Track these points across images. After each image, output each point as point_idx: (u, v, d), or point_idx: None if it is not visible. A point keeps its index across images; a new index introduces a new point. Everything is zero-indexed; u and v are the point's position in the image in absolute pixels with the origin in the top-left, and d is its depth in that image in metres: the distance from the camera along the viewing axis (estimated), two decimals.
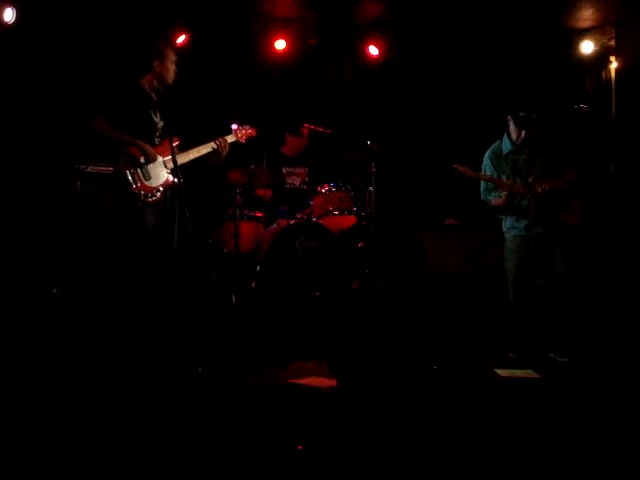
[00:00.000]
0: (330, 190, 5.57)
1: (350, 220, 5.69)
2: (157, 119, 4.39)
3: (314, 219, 5.50)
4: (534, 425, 3.21)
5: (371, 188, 5.70)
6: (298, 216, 5.56)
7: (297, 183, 5.98)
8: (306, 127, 5.97)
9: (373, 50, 6.56)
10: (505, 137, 4.65)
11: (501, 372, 4.18)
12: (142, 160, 4.20)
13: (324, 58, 6.68)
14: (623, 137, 6.15)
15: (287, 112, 6.22)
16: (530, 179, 4.52)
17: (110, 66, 5.51)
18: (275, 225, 5.45)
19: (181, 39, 6.11)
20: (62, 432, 3.04)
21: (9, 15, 5.32)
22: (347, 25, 6.47)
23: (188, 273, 4.98)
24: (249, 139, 4.76)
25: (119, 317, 4.17)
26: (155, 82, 4.37)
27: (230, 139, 4.59)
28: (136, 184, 4.19)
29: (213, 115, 6.06)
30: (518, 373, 4.17)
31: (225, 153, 4.54)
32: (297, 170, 6.02)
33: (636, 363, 4.24)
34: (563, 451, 2.94)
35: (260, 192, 5.90)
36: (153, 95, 4.39)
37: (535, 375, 4.15)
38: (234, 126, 4.70)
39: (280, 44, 6.42)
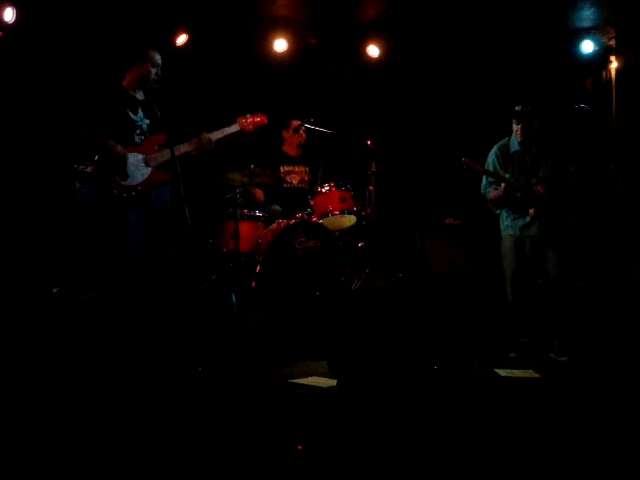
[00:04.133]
0: (330, 190, 5.56)
1: (350, 220, 5.68)
2: (138, 117, 4.35)
3: (314, 219, 5.49)
4: (534, 425, 3.21)
5: (371, 187, 5.71)
6: (298, 216, 5.55)
7: (295, 182, 5.97)
8: (299, 123, 5.92)
9: (373, 50, 6.56)
10: (513, 136, 4.67)
11: (501, 372, 4.18)
12: (115, 159, 4.19)
13: (324, 58, 6.68)
14: (623, 137, 6.15)
15: (286, 111, 6.21)
16: (533, 180, 4.54)
17: (92, 66, 5.45)
18: (275, 225, 5.45)
19: (182, 39, 6.10)
20: (62, 432, 3.04)
21: (9, 15, 5.31)
22: (347, 25, 6.46)
23: (188, 273, 4.98)
24: (259, 128, 4.58)
25: (119, 317, 4.17)
26: (135, 83, 4.35)
27: (233, 129, 4.48)
28: (109, 184, 4.19)
29: (210, 112, 6.07)
30: (518, 373, 4.17)
31: (210, 146, 4.42)
32: (296, 168, 6.01)
33: (636, 363, 4.24)
34: (563, 451, 2.94)
35: (257, 193, 5.89)
36: (136, 93, 4.37)
37: (535, 375, 4.15)
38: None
39: (280, 44, 6.41)
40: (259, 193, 5.87)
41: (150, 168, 4.30)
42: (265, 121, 4.61)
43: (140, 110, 4.37)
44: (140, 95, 4.40)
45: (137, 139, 4.32)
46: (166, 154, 4.26)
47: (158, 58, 4.36)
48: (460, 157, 4.63)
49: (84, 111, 4.21)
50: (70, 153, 4.35)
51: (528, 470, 2.80)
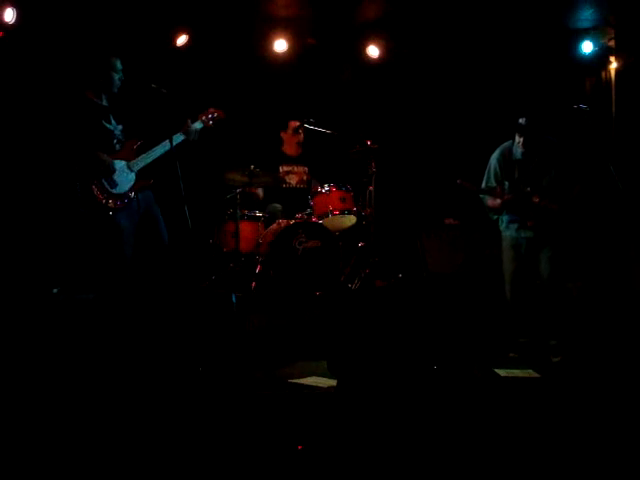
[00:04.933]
0: (330, 190, 5.56)
1: (350, 220, 5.68)
2: (112, 125, 4.42)
3: (314, 219, 5.49)
4: (533, 425, 3.21)
5: (371, 188, 5.71)
6: (298, 216, 5.55)
7: (294, 182, 5.96)
8: (297, 123, 5.92)
9: (373, 50, 6.56)
10: (515, 144, 4.65)
11: (501, 372, 4.18)
12: (104, 170, 4.25)
13: (324, 58, 6.68)
14: (623, 137, 6.15)
15: (285, 112, 6.21)
16: (528, 189, 4.55)
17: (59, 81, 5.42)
18: (275, 225, 5.45)
19: (182, 40, 6.09)
20: (62, 432, 3.04)
21: (10, 15, 5.31)
22: (347, 25, 6.46)
23: (188, 273, 4.98)
24: (218, 122, 4.72)
25: (119, 317, 4.17)
26: (99, 92, 4.41)
27: (198, 125, 4.57)
28: (103, 194, 4.24)
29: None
30: (518, 373, 4.18)
31: (195, 137, 4.56)
32: (296, 169, 6.00)
33: (635, 363, 4.24)
34: (563, 451, 2.94)
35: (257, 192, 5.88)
36: (102, 101, 4.43)
37: (535, 375, 4.16)
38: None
39: (280, 44, 6.41)
40: (259, 192, 5.86)
41: (134, 173, 4.37)
42: (222, 115, 4.73)
43: (111, 117, 4.45)
44: (105, 102, 4.47)
45: (117, 147, 4.39)
46: (146, 157, 4.35)
47: (119, 64, 4.44)
48: (459, 156, 4.64)
49: (64, 128, 4.29)
50: (70, 154, 4.39)
51: (528, 470, 2.80)
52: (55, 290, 5.05)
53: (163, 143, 4.42)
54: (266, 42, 6.42)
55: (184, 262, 4.86)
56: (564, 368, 4.40)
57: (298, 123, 5.91)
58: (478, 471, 2.78)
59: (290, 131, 5.97)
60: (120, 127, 4.47)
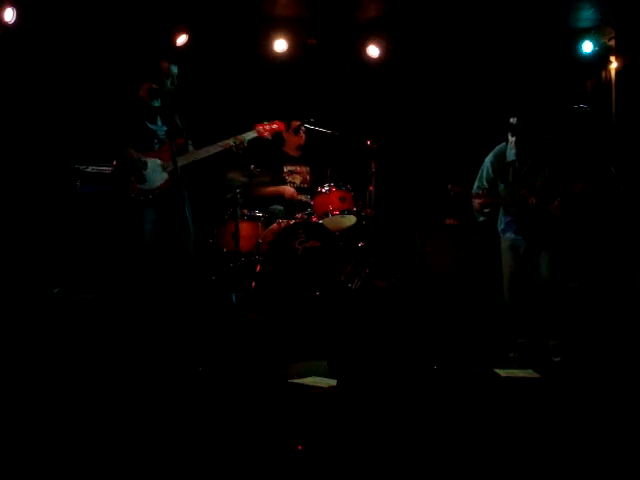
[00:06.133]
0: (330, 190, 5.56)
1: (350, 220, 5.68)
2: (157, 126, 4.51)
3: (314, 219, 5.49)
4: (533, 425, 3.21)
5: (371, 188, 5.71)
6: (298, 216, 5.55)
7: (297, 182, 5.96)
8: (299, 123, 5.92)
9: (373, 50, 6.56)
10: (509, 145, 4.65)
11: (501, 372, 4.18)
12: (133, 165, 4.30)
13: (324, 58, 6.68)
14: (623, 137, 6.15)
15: (286, 112, 6.20)
16: (523, 191, 4.54)
17: (109, 72, 5.51)
18: (276, 225, 5.45)
19: (182, 40, 6.09)
20: (62, 432, 3.04)
21: (9, 15, 5.31)
22: (347, 25, 6.46)
23: (188, 273, 4.98)
24: (276, 134, 4.91)
25: (119, 317, 4.18)
26: (151, 93, 4.52)
27: (250, 135, 4.67)
28: (130, 187, 4.28)
29: (222, 115, 6.11)
30: (518, 373, 4.18)
31: (241, 150, 4.65)
32: (298, 169, 6.00)
33: (635, 363, 4.24)
34: (562, 451, 2.94)
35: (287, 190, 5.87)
36: (153, 102, 4.53)
37: (535, 375, 4.16)
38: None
39: (280, 44, 6.41)
40: (289, 191, 5.84)
41: (167, 173, 4.43)
42: (282, 127, 4.94)
43: (159, 118, 4.54)
44: (157, 103, 4.57)
45: (155, 146, 4.49)
46: (181, 159, 4.41)
47: (173, 69, 4.53)
48: (459, 156, 4.64)
49: (102, 122, 4.42)
50: (71, 153, 4.45)
51: (528, 470, 2.80)
52: (55, 290, 5.06)
53: (207, 147, 4.56)
54: (266, 42, 6.42)
55: (184, 262, 4.86)
56: (564, 368, 4.40)
57: (298, 123, 5.91)
58: (478, 471, 2.78)
59: (291, 131, 5.97)
60: (165, 128, 4.56)
